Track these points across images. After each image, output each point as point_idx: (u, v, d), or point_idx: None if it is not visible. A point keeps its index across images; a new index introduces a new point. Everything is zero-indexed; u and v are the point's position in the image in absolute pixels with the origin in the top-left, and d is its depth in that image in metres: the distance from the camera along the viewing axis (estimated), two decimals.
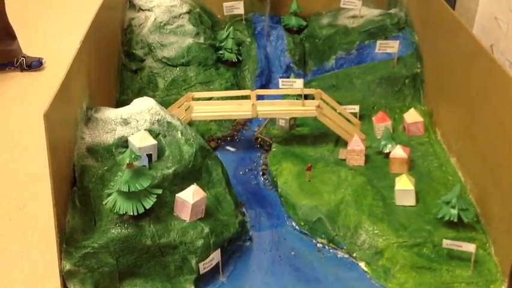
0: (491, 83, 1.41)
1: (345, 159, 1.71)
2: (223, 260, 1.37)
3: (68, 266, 1.26)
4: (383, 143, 1.72)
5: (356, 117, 1.87)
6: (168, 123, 1.43)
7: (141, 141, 1.34)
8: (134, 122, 1.41)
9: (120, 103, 1.76)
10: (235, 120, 1.97)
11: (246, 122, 1.99)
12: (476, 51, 1.49)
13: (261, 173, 1.76)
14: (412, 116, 1.82)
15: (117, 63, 2.00)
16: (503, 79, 1.33)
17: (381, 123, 1.81)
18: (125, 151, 1.29)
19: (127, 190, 1.23)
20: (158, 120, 1.42)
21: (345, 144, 1.74)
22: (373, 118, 1.85)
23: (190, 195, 1.31)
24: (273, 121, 1.94)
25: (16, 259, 3.05)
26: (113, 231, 1.28)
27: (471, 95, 1.55)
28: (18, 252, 3.11)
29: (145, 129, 1.39)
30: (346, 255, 1.45)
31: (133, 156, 1.22)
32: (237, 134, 1.95)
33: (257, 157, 1.84)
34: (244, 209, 1.58)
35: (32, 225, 3.25)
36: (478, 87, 1.50)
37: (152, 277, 1.31)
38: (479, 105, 1.49)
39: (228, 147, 1.87)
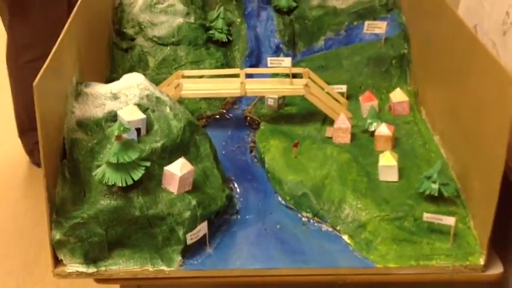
0: (473, 62, 1.44)
1: (331, 137, 1.74)
2: (210, 233, 1.41)
3: (58, 236, 1.29)
4: (369, 121, 1.75)
5: (344, 96, 1.90)
6: (157, 98, 1.46)
7: (130, 115, 1.37)
8: (124, 97, 1.44)
9: (111, 81, 1.77)
10: (225, 99, 1.99)
11: (236, 101, 2.02)
12: (460, 31, 1.52)
13: (249, 150, 1.79)
14: (397, 96, 1.86)
15: (107, 42, 2.01)
16: (484, 58, 1.36)
17: (367, 103, 1.84)
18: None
19: (116, 162, 1.26)
20: (147, 95, 1.45)
21: (332, 122, 1.77)
22: (360, 98, 1.89)
23: (178, 168, 1.35)
24: (262, 100, 1.97)
25: (9, 238, 3.09)
26: (102, 202, 1.31)
27: (455, 74, 1.58)
28: (11, 230, 3.15)
29: (134, 104, 1.42)
30: (330, 229, 1.49)
31: (122, 128, 1.25)
32: (227, 113, 1.98)
33: (246, 135, 1.87)
34: (232, 185, 1.61)
35: (24, 205, 3.29)
36: (461, 66, 1.53)
37: (141, 247, 1.35)
38: (462, 84, 1.52)
39: None
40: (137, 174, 1.30)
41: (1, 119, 3.43)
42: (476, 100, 1.43)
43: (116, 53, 2.03)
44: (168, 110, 1.45)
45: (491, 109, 1.32)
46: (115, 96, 1.45)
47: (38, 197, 3.09)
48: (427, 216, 1.41)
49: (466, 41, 1.49)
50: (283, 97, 1.92)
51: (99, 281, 1.37)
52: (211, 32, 2.12)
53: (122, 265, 1.34)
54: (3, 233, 2.93)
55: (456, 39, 1.56)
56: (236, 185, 1.61)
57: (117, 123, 1.27)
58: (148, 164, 1.33)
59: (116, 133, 1.25)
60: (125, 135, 1.28)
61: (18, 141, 3.18)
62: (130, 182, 1.29)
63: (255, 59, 2.17)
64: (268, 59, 1.79)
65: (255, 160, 1.75)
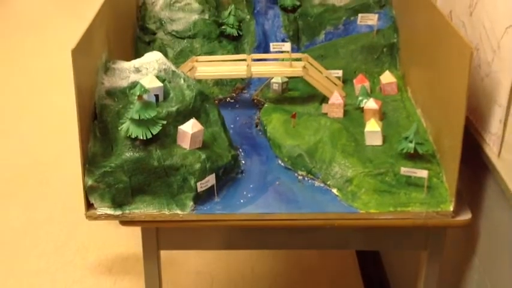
0: (443, 40, 1.68)
1: (326, 113, 1.98)
2: (217, 186, 1.65)
3: (90, 182, 1.55)
4: (360, 98, 1.99)
5: (340, 80, 2.14)
6: (173, 71, 1.72)
7: (150, 83, 1.63)
8: (145, 70, 1.71)
9: None
10: (235, 84, 2.25)
11: (245, 87, 2.28)
12: (433, 15, 1.76)
13: (254, 125, 2.04)
14: (387, 78, 2.09)
15: (132, 36, 2.29)
16: (450, 34, 1.59)
17: (360, 84, 2.08)
18: None
19: (138, 118, 1.52)
20: (164, 69, 1.72)
21: None
22: (353, 80, 2.13)
23: (190, 127, 1.60)
24: (268, 86, 2.22)
25: (41, 228, 3.40)
26: (127, 154, 1.57)
27: (430, 53, 1.81)
28: (43, 221, 3.47)
29: (153, 75, 1.68)
30: (322, 184, 1.72)
31: (142, 89, 1.52)
32: (236, 97, 2.24)
33: (253, 114, 2.12)
34: (238, 151, 1.86)
35: (55, 199, 3.61)
36: (434, 45, 1.76)
37: (159, 194, 1.60)
38: (435, 61, 1.76)
39: None
40: (155, 130, 1.55)
41: None
42: (445, 71, 1.66)
43: (139, 46, 2.31)
44: (182, 81, 1.71)
45: (456, 75, 1.56)
46: (137, 70, 1.71)
47: (68, 190, 3.39)
48: (404, 170, 1.63)
49: (438, 23, 1.72)
50: (287, 82, 2.17)
51: (124, 223, 1.62)
52: (223, 27, 2.39)
53: (143, 209, 1.59)
54: (36, 224, 3.23)
55: (430, 22, 1.80)
56: (241, 151, 1.86)
57: (138, 86, 1.53)
58: (164, 122, 1.58)
59: (138, 93, 1.51)
60: (145, 96, 1.54)
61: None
62: (149, 136, 1.55)
63: (262, 51, 2.42)
64: (271, 44, 2.04)
65: (260, 133, 2.00)
